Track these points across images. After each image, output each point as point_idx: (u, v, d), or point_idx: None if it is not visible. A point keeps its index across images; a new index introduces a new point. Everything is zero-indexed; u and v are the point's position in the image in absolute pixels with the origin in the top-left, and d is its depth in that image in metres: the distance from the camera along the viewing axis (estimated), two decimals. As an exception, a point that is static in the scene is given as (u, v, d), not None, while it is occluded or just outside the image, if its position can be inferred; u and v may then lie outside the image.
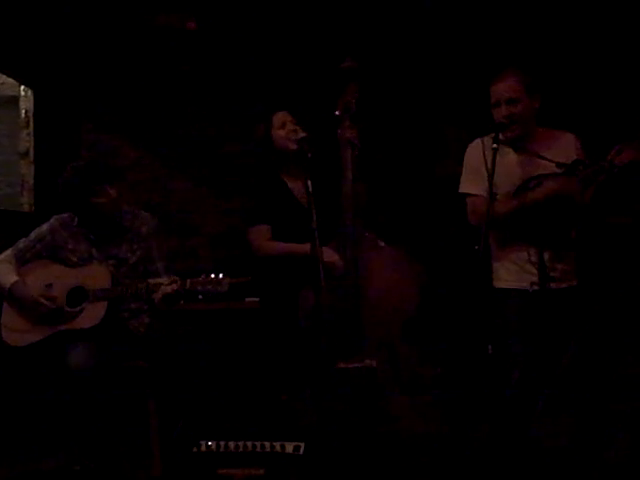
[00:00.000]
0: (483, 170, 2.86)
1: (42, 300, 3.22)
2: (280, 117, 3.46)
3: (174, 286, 3.14)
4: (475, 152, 3.04)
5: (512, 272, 3.05)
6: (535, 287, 2.96)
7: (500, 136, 2.87)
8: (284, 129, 3.42)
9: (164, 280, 3.18)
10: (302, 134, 3.31)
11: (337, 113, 3.20)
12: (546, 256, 2.96)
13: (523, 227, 2.98)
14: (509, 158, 3.02)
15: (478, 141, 3.06)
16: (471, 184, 3.11)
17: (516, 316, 3.02)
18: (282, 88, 4.85)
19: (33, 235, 3.42)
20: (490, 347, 2.89)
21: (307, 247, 2.93)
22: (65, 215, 3.43)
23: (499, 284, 3.11)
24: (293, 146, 3.32)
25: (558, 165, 2.90)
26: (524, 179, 2.99)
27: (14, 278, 3.30)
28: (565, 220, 2.98)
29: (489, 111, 3.06)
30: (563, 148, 3.01)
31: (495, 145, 2.82)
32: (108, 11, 4.62)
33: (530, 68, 3.05)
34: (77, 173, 3.27)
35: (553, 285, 2.96)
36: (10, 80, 4.77)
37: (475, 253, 2.78)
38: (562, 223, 2.98)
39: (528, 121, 3.01)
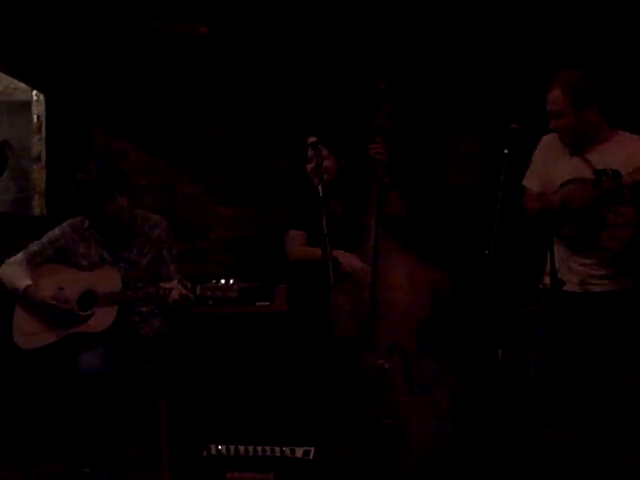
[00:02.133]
0: (540, 166, 3.01)
1: (54, 302, 3.23)
2: (309, 152, 3.48)
3: (185, 291, 3.14)
4: (541, 147, 3.10)
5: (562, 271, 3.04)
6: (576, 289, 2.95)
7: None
8: (310, 164, 3.44)
9: (175, 285, 3.18)
10: (312, 139, 3.33)
11: (370, 129, 3.31)
12: (584, 260, 2.95)
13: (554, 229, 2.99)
14: (564, 159, 3.03)
15: (548, 136, 3.08)
16: (527, 178, 3.16)
17: (545, 316, 3.03)
18: (294, 95, 4.89)
19: (45, 239, 3.43)
20: (500, 352, 2.90)
21: (336, 253, 3.14)
22: (77, 219, 3.44)
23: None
24: (317, 184, 3.28)
25: (595, 172, 2.90)
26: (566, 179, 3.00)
27: (27, 281, 3.31)
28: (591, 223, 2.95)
29: (502, 122, 3.05)
30: (630, 155, 2.93)
31: (506, 151, 2.84)
32: (118, 16, 4.65)
33: (585, 75, 2.98)
34: (87, 181, 3.27)
35: (597, 289, 2.95)
36: (22, 85, 4.80)
37: (485, 258, 2.78)
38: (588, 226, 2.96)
39: (581, 129, 2.97)
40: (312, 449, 3.05)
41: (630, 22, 4.39)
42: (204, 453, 3.13)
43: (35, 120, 4.78)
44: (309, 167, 3.48)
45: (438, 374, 3.07)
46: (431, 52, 4.78)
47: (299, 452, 3.06)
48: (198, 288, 3.16)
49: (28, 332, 3.32)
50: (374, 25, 4.69)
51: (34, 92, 4.80)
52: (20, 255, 3.41)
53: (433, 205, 4.72)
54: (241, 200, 5.01)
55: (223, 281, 3.14)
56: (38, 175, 4.80)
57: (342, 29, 4.74)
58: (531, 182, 3.13)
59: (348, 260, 3.25)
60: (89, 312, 3.25)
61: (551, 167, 3.04)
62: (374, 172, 3.28)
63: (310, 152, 3.38)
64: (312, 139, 3.35)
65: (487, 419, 3.20)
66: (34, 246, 3.42)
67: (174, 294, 3.16)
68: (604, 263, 2.95)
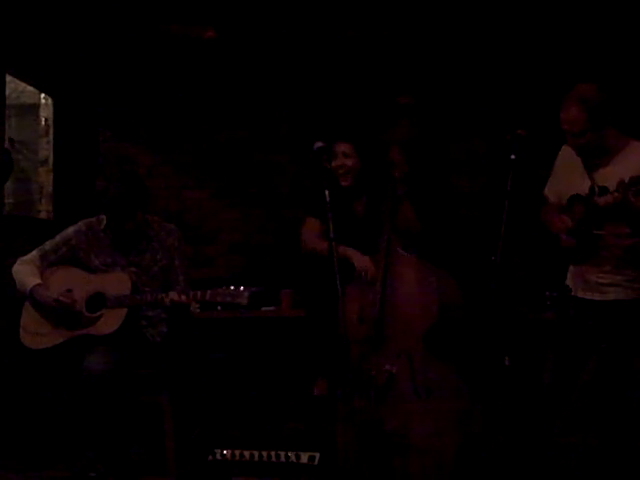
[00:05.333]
0: (556, 176, 3.04)
1: (59, 303, 3.23)
2: (337, 147, 3.50)
3: (182, 299, 3.15)
4: (560, 157, 3.10)
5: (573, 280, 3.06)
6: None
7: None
8: (335, 161, 3.47)
9: (180, 292, 3.20)
10: (319, 144, 3.34)
11: (389, 141, 3.39)
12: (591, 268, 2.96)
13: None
14: (577, 172, 3.02)
15: (567, 146, 3.05)
16: (547, 187, 3.17)
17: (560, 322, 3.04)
18: (302, 99, 4.90)
19: (59, 237, 3.43)
20: (507, 359, 2.90)
21: (348, 251, 3.24)
22: (93, 219, 3.45)
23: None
24: (343, 182, 3.47)
25: (589, 189, 2.91)
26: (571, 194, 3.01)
27: (36, 280, 3.31)
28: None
29: (509, 127, 3.04)
30: (634, 164, 2.89)
31: (513, 156, 2.84)
32: (127, 20, 4.66)
33: (600, 90, 2.92)
34: (111, 196, 3.24)
35: (607, 297, 2.94)
36: (30, 88, 4.82)
37: (492, 264, 2.77)
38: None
39: (598, 144, 2.94)
40: (317, 454, 3.05)
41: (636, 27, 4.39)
42: (209, 458, 3.14)
43: (43, 123, 4.80)
44: (335, 163, 3.47)
45: (444, 379, 3.07)
46: (440, 58, 4.78)
47: (304, 457, 3.06)
48: (208, 293, 3.14)
49: (35, 332, 3.32)
50: (383, 28, 4.69)
51: (42, 95, 4.81)
52: (34, 253, 3.41)
53: (441, 211, 4.72)
54: (248, 204, 5.02)
55: (233, 287, 3.13)
56: (45, 178, 4.81)
57: (351, 33, 4.75)
58: (549, 191, 3.15)
59: (362, 263, 3.26)
60: (97, 314, 3.26)
61: (564, 179, 3.04)
62: (390, 183, 3.31)
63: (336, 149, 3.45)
64: (319, 144, 3.36)
65: (493, 425, 3.20)
66: (48, 245, 3.42)
67: (172, 295, 3.17)
68: (609, 271, 2.94)
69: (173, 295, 3.17)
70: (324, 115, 4.65)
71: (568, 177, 3.03)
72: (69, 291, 3.29)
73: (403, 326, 3.10)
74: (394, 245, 3.23)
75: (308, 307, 3.71)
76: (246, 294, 3.10)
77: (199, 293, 3.16)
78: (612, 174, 2.89)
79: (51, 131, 4.80)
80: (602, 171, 2.94)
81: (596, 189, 2.87)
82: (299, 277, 3.92)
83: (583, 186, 2.96)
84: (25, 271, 3.36)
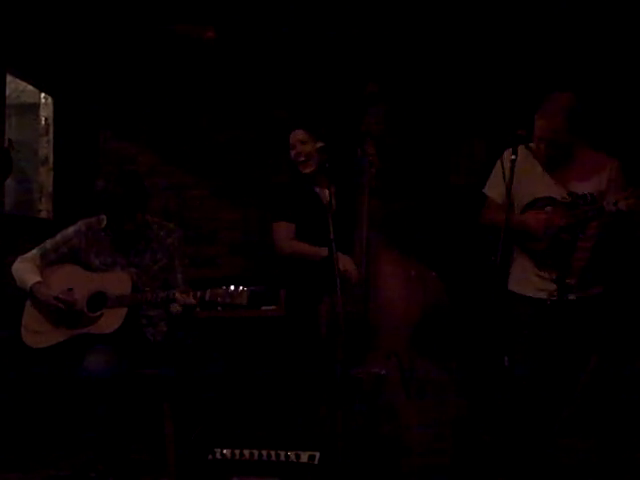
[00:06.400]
0: (506, 177, 2.92)
1: (60, 302, 3.24)
2: (292, 137, 3.49)
3: (191, 300, 3.15)
4: (508, 158, 3.03)
5: (529, 280, 3.04)
6: (553, 298, 2.96)
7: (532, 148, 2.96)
8: (293, 150, 3.46)
9: (183, 292, 3.20)
10: (320, 144, 3.35)
11: (360, 132, 3.25)
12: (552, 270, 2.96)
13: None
14: (535, 175, 3.02)
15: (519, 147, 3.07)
16: (490, 187, 3.15)
17: (528, 327, 3.03)
18: (302, 98, 4.89)
19: (59, 236, 3.44)
20: (506, 359, 2.90)
21: (326, 251, 3.06)
22: (92, 219, 3.45)
23: (514, 287, 3.10)
24: (305, 169, 3.43)
25: (570, 195, 2.92)
26: (536, 197, 3.00)
27: (37, 278, 3.32)
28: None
29: (509, 128, 3.04)
30: (597, 173, 2.97)
31: (514, 156, 2.83)
32: (127, 20, 4.67)
33: (579, 100, 2.97)
34: (111, 196, 3.24)
35: (570, 297, 2.96)
36: (30, 88, 4.82)
37: (492, 264, 2.78)
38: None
39: (563, 148, 2.97)
40: (317, 454, 3.05)
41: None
42: (209, 457, 3.14)
43: (43, 122, 4.81)
44: (293, 152, 3.46)
45: (438, 379, 3.04)
46: (440, 58, 4.79)
47: (304, 457, 3.05)
48: (208, 293, 3.15)
49: (36, 330, 3.32)
50: (384, 31, 4.70)
51: (42, 95, 4.82)
52: (34, 251, 3.42)
53: (431, 208, 4.73)
54: (248, 203, 5.02)
55: (233, 287, 3.12)
56: (45, 177, 4.82)
57: (351, 32, 4.75)
58: (495, 193, 3.11)
59: (346, 265, 3.12)
60: (98, 313, 3.26)
61: (522, 181, 2.99)
62: (365, 175, 3.21)
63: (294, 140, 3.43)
64: (319, 144, 3.37)
65: (492, 425, 3.20)
66: (48, 243, 3.43)
67: (180, 301, 3.17)
68: (575, 273, 2.97)
69: (179, 297, 3.17)
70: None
71: (526, 180, 3.01)
72: (70, 290, 3.29)
73: (390, 326, 3.04)
74: (374, 242, 3.15)
75: (289, 310, 3.70)
76: (245, 294, 3.11)
77: (199, 293, 3.16)
78: (589, 185, 2.93)
79: (51, 130, 4.80)
80: (574, 179, 2.95)
81: (588, 197, 2.90)
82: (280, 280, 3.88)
83: (549, 190, 2.97)
84: (25, 269, 3.36)
